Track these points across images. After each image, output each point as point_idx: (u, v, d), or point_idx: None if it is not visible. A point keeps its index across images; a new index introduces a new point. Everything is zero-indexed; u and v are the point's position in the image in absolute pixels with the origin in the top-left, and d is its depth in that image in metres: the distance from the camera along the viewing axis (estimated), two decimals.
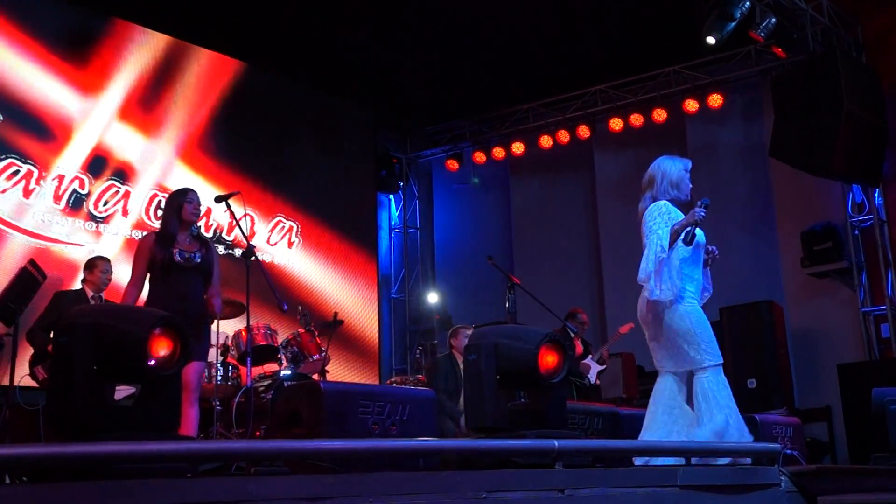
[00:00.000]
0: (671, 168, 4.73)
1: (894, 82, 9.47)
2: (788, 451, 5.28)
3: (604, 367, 8.14)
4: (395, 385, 7.93)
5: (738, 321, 9.40)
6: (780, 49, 9.22)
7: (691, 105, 10.66)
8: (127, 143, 9.05)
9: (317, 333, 6.95)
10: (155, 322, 3.08)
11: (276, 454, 2.92)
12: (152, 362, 3.03)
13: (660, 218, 4.56)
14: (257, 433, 5.62)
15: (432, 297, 11.87)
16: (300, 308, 7.13)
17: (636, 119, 11.01)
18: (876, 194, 9.57)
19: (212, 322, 5.25)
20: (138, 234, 8.62)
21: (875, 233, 9.45)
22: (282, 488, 2.60)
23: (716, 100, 10.53)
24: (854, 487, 4.04)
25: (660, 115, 10.87)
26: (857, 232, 9.63)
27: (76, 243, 8.42)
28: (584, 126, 11.33)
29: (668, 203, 4.64)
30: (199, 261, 5.13)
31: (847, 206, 9.72)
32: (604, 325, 11.01)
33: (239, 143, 10.03)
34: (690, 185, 4.79)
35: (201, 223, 6.35)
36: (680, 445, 4.05)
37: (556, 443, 3.37)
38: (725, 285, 10.48)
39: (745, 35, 8.75)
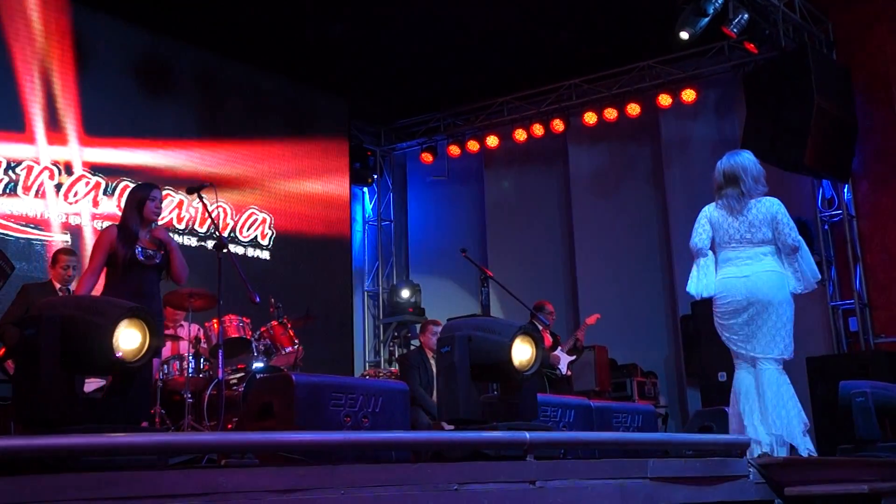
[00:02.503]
0: (754, 166, 4.88)
1: (864, 79, 9.60)
2: None
3: (574, 357, 8.18)
4: (368, 378, 7.92)
5: (707, 314, 9.42)
6: (752, 45, 9.29)
7: (665, 100, 10.72)
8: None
9: (290, 326, 6.93)
10: (122, 314, 3.05)
11: (246, 446, 2.91)
12: (119, 354, 3.00)
13: (791, 221, 4.77)
14: (229, 426, 5.60)
15: (406, 291, 11.86)
16: (273, 300, 7.09)
17: (610, 113, 11.05)
18: (845, 190, 9.70)
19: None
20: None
21: (844, 228, 9.59)
22: (252, 480, 2.60)
23: (689, 95, 10.60)
24: (821, 479, 4.10)
25: (633, 109, 10.92)
26: (826, 227, 9.77)
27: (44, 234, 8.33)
28: (558, 120, 11.36)
29: None
30: (158, 261, 5.13)
31: (817, 201, 9.84)
32: (576, 317, 11.07)
33: (211, 134, 9.95)
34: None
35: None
36: (648, 438, 4.10)
37: (527, 435, 3.39)
38: None
39: (718, 31, 8.81)
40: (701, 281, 4.86)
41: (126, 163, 9.12)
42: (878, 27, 9.57)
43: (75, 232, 8.59)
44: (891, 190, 9.45)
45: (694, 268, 4.87)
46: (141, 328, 3.10)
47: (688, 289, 4.92)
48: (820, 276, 4.88)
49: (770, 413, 4.54)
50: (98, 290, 5.20)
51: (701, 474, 3.80)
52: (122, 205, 5.64)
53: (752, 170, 4.85)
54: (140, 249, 5.08)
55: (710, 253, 4.91)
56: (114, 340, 2.99)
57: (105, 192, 8.87)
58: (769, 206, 4.77)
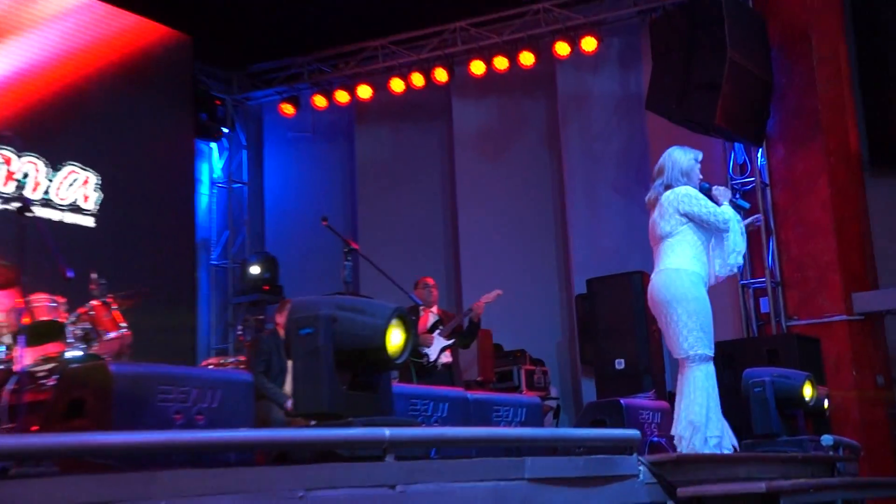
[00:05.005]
0: (681, 158, 5.41)
1: (781, 30, 9.96)
2: (655, 439, 5.53)
3: (451, 341, 8.22)
4: (210, 367, 7.79)
5: (606, 294, 9.74)
6: None
7: (562, 48, 10.85)
8: None
9: (115, 306, 6.73)
10: None
11: (45, 451, 2.79)
12: None
13: (703, 199, 5.28)
14: (33, 428, 5.39)
15: (260, 266, 11.71)
16: (94, 276, 6.87)
17: (500, 63, 11.12)
18: (759, 154, 10.08)
19: None
20: None
21: (757, 197, 9.95)
22: (47, 493, 2.50)
23: (590, 43, 10.75)
24: (717, 478, 4.27)
25: (527, 58, 11.01)
26: (738, 196, 10.13)
27: None
28: (441, 69, 11.36)
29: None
30: None
31: (728, 166, 10.20)
32: (459, 295, 11.19)
33: (17, 69, 9.50)
34: (701, 177, 5.48)
35: None
36: (524, 434, 4.17)
37: (386, 431, 3.39)
38: (593, 254, 10.90)
39: None
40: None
41: None
42: None
43: None
44: (808, 155, 9.84)
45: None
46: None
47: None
48: (737, 250, 5.39)
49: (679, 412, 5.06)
50: None
51: (585, 474, 3.89)
52: None
53: (681, 162, 5.40)
54: None
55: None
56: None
57: None
58: (670, 197, 5.30)
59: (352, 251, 6.92)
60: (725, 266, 5.41)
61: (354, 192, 12.35)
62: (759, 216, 5.87)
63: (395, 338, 3.89)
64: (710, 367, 5.18)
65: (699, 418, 5.02)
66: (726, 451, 5.13)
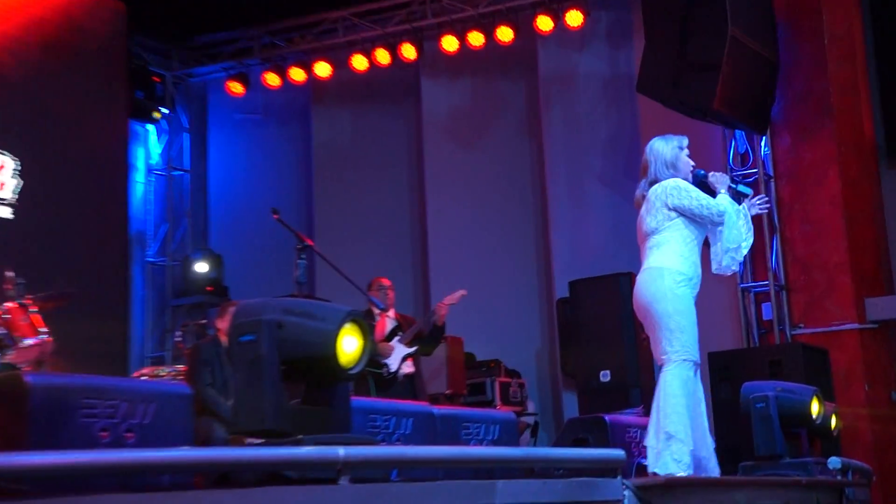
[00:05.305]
0: (663, 148, 5.52)
1: (790, 3, 10.01)
2: (642, 461, 5.55)
3: (413, 349, 8.23)
4: (144, 378, 7.75)
5: (590, 298, 9.77)
6: None
7: (544, 23, 10.85)
8: None
9: (34, 309, 6.69)
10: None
11: None
12: None
13: (694, 191, 5.38)
14: None
15: (204, 264, 11.66)
16: (9, 274, 6.83)
17: (475, 38, 11.10)
18: (762, 143, 10.12)
19: None
20: None
21: (759, 190, 9.98)
22: None
23: (575, 17, 10.76)
24: (711, 503, 4.28)
25: (505, 34, 11.02)
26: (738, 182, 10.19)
27: None
28: (408, 44, 11.35)
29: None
30: None
31: (728, 156, 10.24)
32: (427, 297, 11.19)
33: None
34: (692, 164, 5.59)
35: None
36: (496, 454, 4.17)
37: (340, 451, 3.38)
38: (577, 253, 10.92)
39: None
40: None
41: None
42: None
43: None
44: (817, 144, 9.88)
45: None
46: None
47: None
48: (734, 246, 5.46)
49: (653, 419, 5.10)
50: None
51: (564, 499, 3.89)
52: None
53: (664, 153, 5.51)
54: None
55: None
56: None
57: None
58: (657, 191, 5.41)
59: (306, 248, 6.89)
60: (721, 265, 5.50)
61: (310, 181, 12.32)
62: (764, 197, 5.84)
63: (349, 345, 3.88)
64: (689, 373, 5.22)
65: (677, 428, 5.07)
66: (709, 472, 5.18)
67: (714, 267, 5.52)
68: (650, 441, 5.18)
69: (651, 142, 5.59)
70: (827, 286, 9.69)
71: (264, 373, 3.77)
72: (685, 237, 5.35)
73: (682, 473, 4.96)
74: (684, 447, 5.04)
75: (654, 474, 5.00)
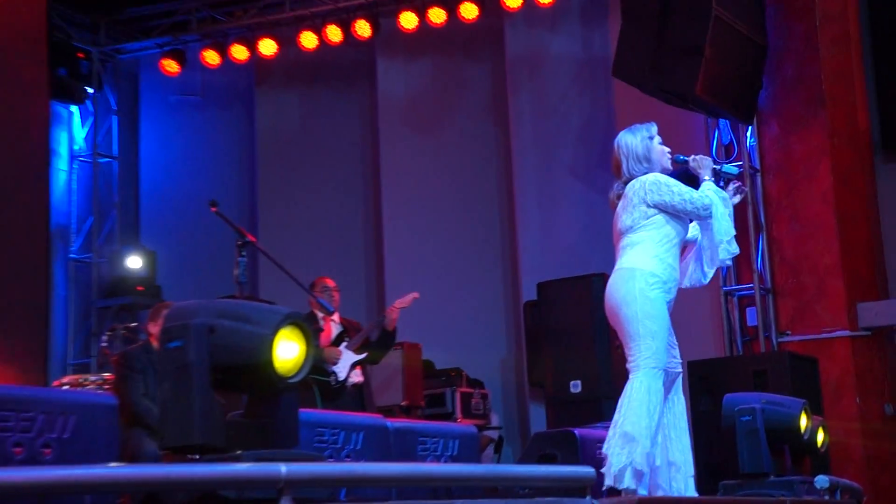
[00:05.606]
0: (632, 141, 5.53)
1: None
2: None
3: (362, 356, 8.22)
4: (65, 388, 7.69)
5: (560, 301, 9.78)
6: None
7: (512, 0, 10.88)
8: None
9: None
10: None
11: None
12: None
13: (675, 185, 5.40)
14: None
15: (134, 261, 11.59)
16: None
17: (436, 15, 11.10)
18: (748, 134, 10.18)
19: None
20: None
21: (745, 185, 10.01)
22: None
23: None
24: None
25: (469, 10, 11.00)
26: (721, 183, 10.20)
27: None
28: (363, 21, 11.32)
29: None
30: None
31: (711, 147, 10.28)
32: (382, 299, 11.17)
33: None
34: (668, 151, 5.62)
35: None
36: (455, 472, 4.16)
37: (282, 468, 3.36)
38: (546, 252, 10.95)
39: None
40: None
41: None
42: None
43: None
44: (808, 135, 9.93)
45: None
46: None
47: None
48: (730, 235, 5.50)
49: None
50: None
51: None
52: None
53: (634, 147, 5.52)
54: None
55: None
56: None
57: None
58: (635, 186, 5.44)
59: (247, 245, 6.86)
60: (716, 261, 5.55)
61: (253, 171, 12.30)
62: (740, 185, 5.88)
63: (288, 351, 3.86)
64: (657, 383, 5.23)
65: (636, 429, 5.09)
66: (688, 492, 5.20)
67: (707, 264, 5.56)
68: (612, 445, 5.17)
69: (618, 137, 5.60)
70: (817, 290, 9.76)
71: (192, 382, 3.75)
72: (663, 236, 5.37)
73: (633, 481, 4.99)
74: (639, 448, 5.05)
75: (611, 489, 4.99)
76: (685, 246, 5.63)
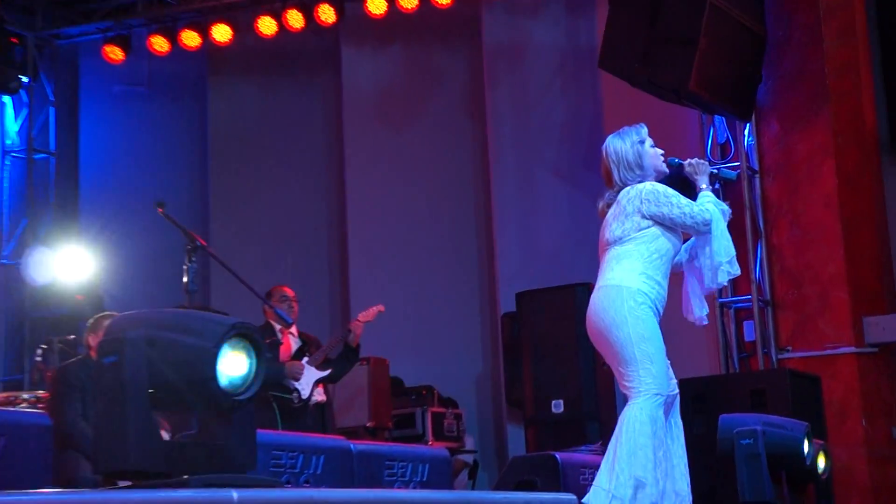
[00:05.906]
0: (622, 148, 5.54)
1: None
2: None
3: (326, 373, 8.22)
4: None
5: (541, 313, 9.80)
6: None
7: None
8: None
9: None
10: None
11: None
12: None
13: (675, 197, 5.41)
14: None
15: (73, 267, 11.54)
16: None
17: (407, 0, 11.12)
18: (746, 132, 10.21)
19: None
20: None
21: (743, 188, 10.06)
22: None
23: None
24: None
25: None
26: (717, 185, 10.20)
27: None
28: (327, 5, 11.31)
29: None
30: None
31: (706, 146, 10.32)
32: (347, 310, 11.14)
33: None
34: (661, 152, 5.60)
35: None
36: (425, 498, 4.18)
37: (234, 495, 3.36)
38: (526, 259, 10.97)
39: None
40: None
41: None
42: None
43: None
44: (810, 133, 9.96)
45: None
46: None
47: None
48: (730, 255, 5.49)
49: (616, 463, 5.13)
50: None
51: None
52: None
53: (624, 153, 5.53)
54: None
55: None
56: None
57: None
58: (630, 194, 5.44)
59: (198, 249, 6.87)
60: (714, 283, 5.55)
61: (205, 169, 12.28)
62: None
63: (234, 366, 3.83)
64: (659, 410, 5.24)
65: (646, 473, 5.08)
66: None
67: (707, 283, 5.54)
68: (601, 481, 5.16)
69: (606, 143, 5.61)
70: (819, 302, 9.78)
71: (128, 401, 3.72)
72: (654, 251, 5.37)
73: None
74: (649, 498, 5.07)
75: None
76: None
